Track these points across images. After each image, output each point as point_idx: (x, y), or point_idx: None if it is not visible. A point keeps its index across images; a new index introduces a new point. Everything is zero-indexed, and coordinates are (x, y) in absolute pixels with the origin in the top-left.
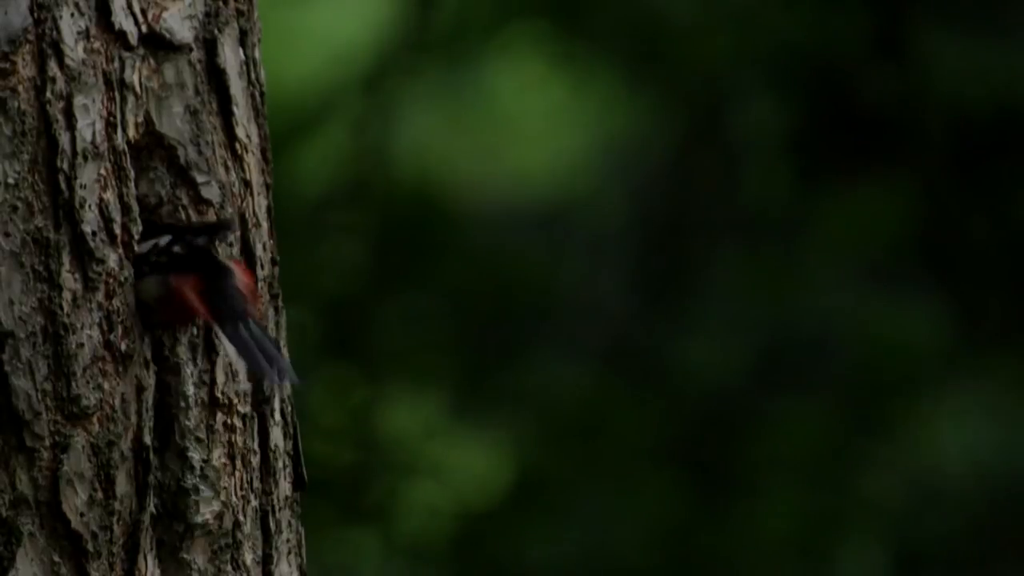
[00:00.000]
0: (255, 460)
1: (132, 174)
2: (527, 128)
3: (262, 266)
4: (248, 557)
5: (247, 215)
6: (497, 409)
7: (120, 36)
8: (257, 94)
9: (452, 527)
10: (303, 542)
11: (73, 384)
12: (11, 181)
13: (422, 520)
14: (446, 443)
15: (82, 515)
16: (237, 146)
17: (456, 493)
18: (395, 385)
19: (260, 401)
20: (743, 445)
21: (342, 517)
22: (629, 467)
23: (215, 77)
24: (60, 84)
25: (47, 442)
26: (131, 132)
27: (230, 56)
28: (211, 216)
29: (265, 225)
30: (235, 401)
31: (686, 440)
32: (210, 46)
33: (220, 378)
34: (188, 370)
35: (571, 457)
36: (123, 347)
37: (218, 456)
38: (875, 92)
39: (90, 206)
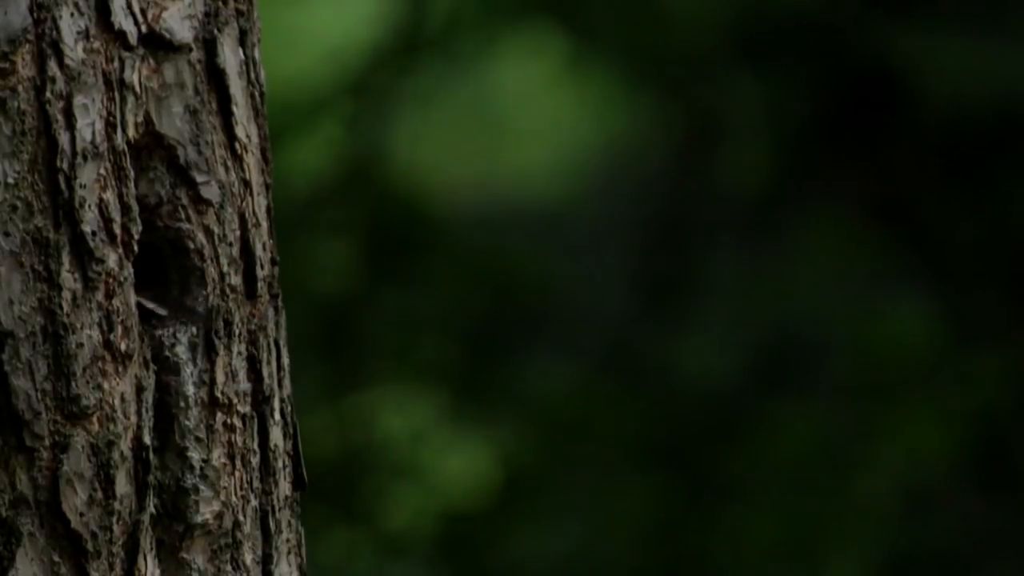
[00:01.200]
0: (255, 460)
1: (132, 174)
2: (524, 127)
3: (262, 266)
4: (248, 557)
5: (247, 215)
6: (490, 410)
7: (120, 36)
8: (257, 94)
9: (443, 528)
10: (303, 542)
11: (73, 384)
12: (11, 181)
13: (413, 521)
14: (438, 444)
15: (82, 515)
16: (237, 146)
17: (448, 494)
18: (387, 385)
19: (260, 401)
20: (736, 448)
21: (333, 518)
22: (621, 469)
23: (215, 77)
24: (60, 84)
25: (47, 442)
26: (131, 132)
27: (230, 56)
28: (211, 216)
29: (265, 225)
30: (235, 401)
31: (679, 442)
32: (210, 46)
33: (220, 378)
34: (188, 370)
35: (563, 458)
36: (123, 347)
37: (218, 456)
38: (873, 91)
39: (90, 206)
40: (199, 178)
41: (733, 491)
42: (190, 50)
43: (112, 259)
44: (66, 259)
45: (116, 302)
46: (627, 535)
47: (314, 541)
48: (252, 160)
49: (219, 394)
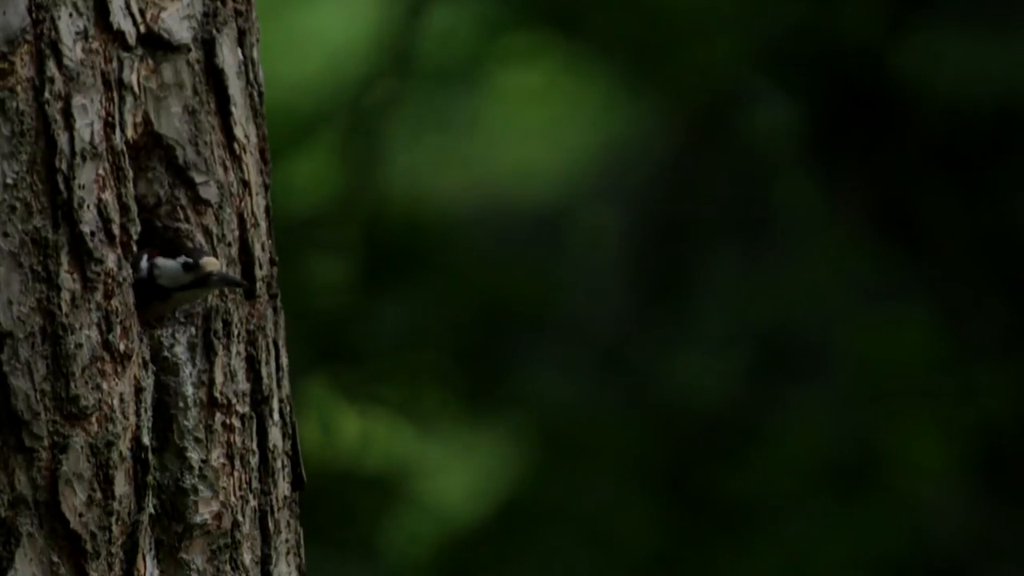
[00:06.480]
0: (254, 460)
1: (130, 174)
2: (523, 129)
3: (260, 266)
4: (247, 557)
5: (246, 215)
6: (488, 428)
7: (118, 36)
8: (255, 94)
9: (437, 548)
10: (302, 542)
11: (72, 384)
12: (10, 181)
13: (408, 540)
14: (433, 462)
15: (81, 515)
16: (235, 146)
17: (444, 517)
18: (384, 401)
19: (259, 401)
20: (736, 465)
21: (328, 537)
22: (621, 490)
23: (213, 77)
24: (59, 84)
25: (46, 442)
26: (129, 132)
27: (228, 56)
28: (210, 216)
29: (263, 225)
30: (234, 401)
31: (678, 460)
32: (208, 46)
33: (219, 378)
34: (187, 370)
35: (562, 479)
36: (122, 347)
37: (217, 456)
38: (874, 95)
39: (89, 206)
40: (198, 178)
41: (734, 511)
42: (189, 50)
43: (111, 259)
44: (65, 260)
45: (115, 302)
46: (625, 557)
47: (314, 560)
48: (251, 160)
49: (218, 394)
